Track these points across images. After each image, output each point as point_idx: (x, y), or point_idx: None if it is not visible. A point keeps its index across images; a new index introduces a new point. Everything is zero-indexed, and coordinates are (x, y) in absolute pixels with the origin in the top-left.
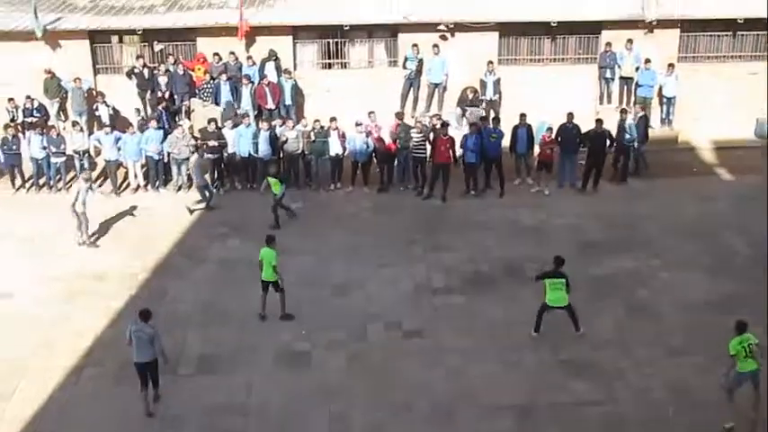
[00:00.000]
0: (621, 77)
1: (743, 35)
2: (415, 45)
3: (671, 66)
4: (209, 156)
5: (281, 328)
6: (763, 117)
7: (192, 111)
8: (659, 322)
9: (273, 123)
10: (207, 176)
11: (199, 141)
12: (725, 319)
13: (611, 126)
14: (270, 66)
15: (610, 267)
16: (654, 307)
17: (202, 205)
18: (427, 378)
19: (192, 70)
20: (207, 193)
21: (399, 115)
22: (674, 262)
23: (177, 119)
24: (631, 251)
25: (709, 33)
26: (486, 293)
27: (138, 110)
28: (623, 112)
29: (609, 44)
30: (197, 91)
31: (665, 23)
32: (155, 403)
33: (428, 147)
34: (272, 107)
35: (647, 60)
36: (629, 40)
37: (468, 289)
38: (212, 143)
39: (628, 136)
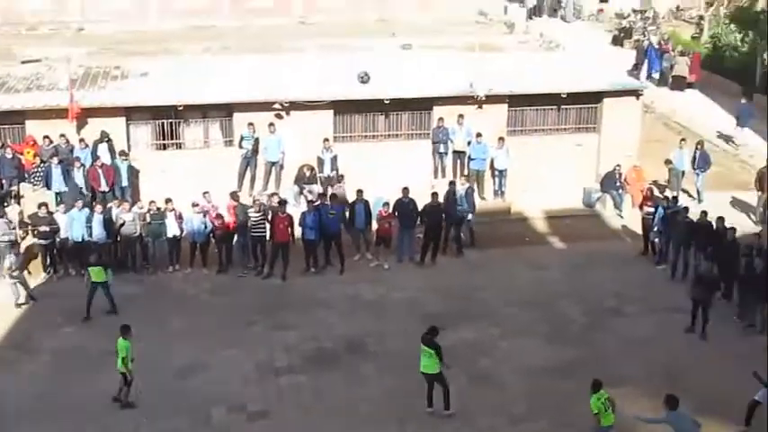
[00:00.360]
0: (454, 151)
1: (566, 109)
2: (250, 124)
3: (501, 139)
4: (42, 241)
5: (123, 417)
6: (589, 186)
7: (22, 196)
8: (501, 390)
9: (109, 206)
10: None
11: (29, 227)
12: (565, 384)
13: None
14: (102, 147)
15: (450, 339)
16: (495, 375)
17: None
18: None
19: (21, 153)
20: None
21: (234, 195)
22: (512, 330)
23: (5, 203)
24: (471, 321)
25: (535, 108)
26: (329, 371)
27: None
28: (451, 183)
29: (441, 119)
30: (26, 175)
31: (493, 99)
32: None
33: (267, 225)
34: (106, 189)
35: (479, 134)
36: (461, 116)
37: (312, 367)
38: (43, 228)
39: (459, 207)
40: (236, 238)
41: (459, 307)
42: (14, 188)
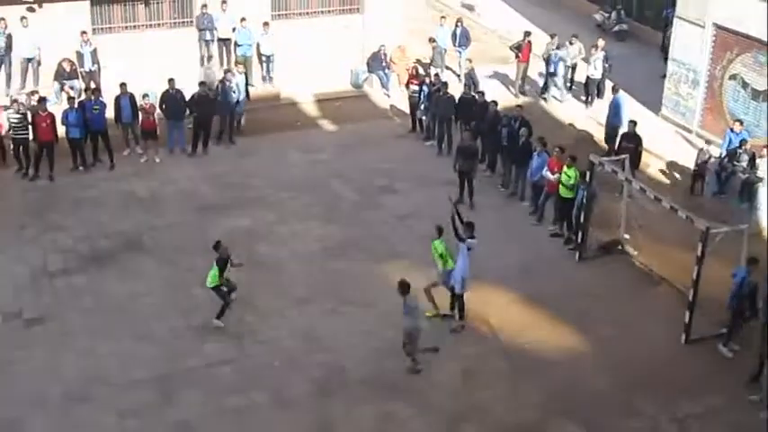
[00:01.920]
0: (219, 39)
1: None
2: (1, 19)
3: (266, 24)
4: None
5: None
6: (356, 68)
7: None
8: (281, 274)
9: None
10: None
11: None
12: (342, 263)
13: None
14: None
15: (227, 227)
16: (274, 260)
17: None
18: (57, 365)
19: None
20: None
21: None
22: (287, 215)
23: None
24: (246, 209)
25: None
26: (107, 269)
27: None
28: (227, 72)
29: (205, 6)
30: None
31: None
32: None
33: (28, 126)
34: None
35: (243, 19)
36: (224, 1)
37: (88, 267)
38: None
39: (234, 95)
40: None
41: (233, 195)
42: None
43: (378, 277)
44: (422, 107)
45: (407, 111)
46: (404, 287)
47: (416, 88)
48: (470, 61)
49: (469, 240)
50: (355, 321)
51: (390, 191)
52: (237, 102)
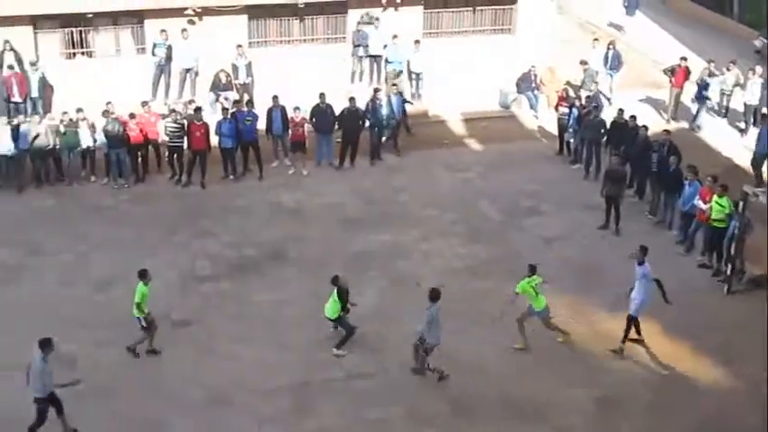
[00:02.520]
0: (370, 55)
1: (482, 10)
2: (163, 30)
3: (417, 42)
4: None
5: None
6: (505, 88)
7: None
8: (422, 291)
9: (15, 122)
10: None
11: None
12: (482, 282)
13: (362, 104)
14: (9, 57)
15: (371, 242)
16: (414, 277)
17: None
18: (200, 367)
19: None
20: None
21: (145, 104)
22: (431, 232)
23: None
24: (390, 225)
25: (450, 10)
26: (252, 277)
27: None
28: (377, 90)
29: (360, 23)
30: None
31: (409, 1)
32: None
33: (183, 135)
34: (19, 100)
35: (395, 37)
36: (376, 18)
37: (235, 274)
38: None
39: (386, 112)
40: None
41: (378, 210)
42: None
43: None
44: (570, 130)
45: (555, 132)
46: (434, 294)
47: (566, 110)
48: (596, 83)
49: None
50: (495, 342)
51: (536, 212)
52: (390, 119)
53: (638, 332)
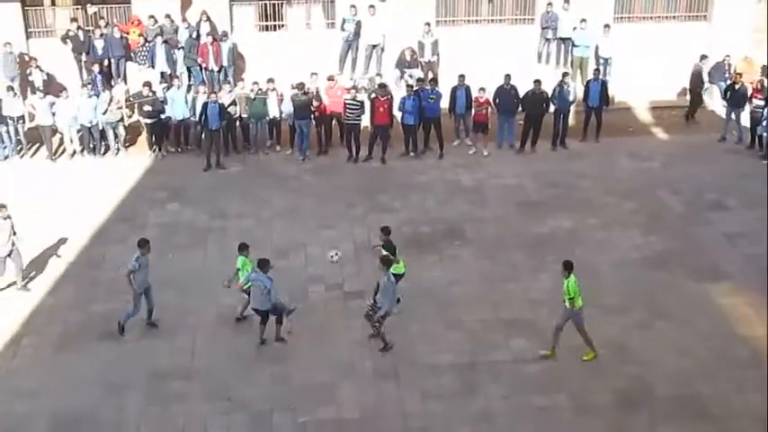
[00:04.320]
0: (559, 38)
1: None
2: (352, 6)
3: (607, 26)
4: (146, 120)
5: (222, 292)
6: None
7: (128, 75)
8: (597, 280)
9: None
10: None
11: (134, 106)
12: (659, 275)
13: (549, 87)
14: (204, 27)
15: (547, 226)
16: (591, 265)
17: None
18: (368, 338)
19: (127, 33)
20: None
21: (331, 78)
22: (609, 220)
23: (113, 83)
24: (568, 210)
25: None
26: (426, 254)
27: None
28: (564, 75)
29: (550, 4)
30: (132, 54)
31: None
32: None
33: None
34: (214, 68)
35: (583, 20)
36: (566, 1)
37: (409, 250)
38: (147, 107)
39: (571, 98)
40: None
41: (557, 194)
42: (121, 68)
43: (697, 295)
44: (764, 123)
45: (748, 125)
46: (385, 261)
47: (761, 103)
48: None
49: None
50: (669, 337)
51: (720, 207)
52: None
53: None
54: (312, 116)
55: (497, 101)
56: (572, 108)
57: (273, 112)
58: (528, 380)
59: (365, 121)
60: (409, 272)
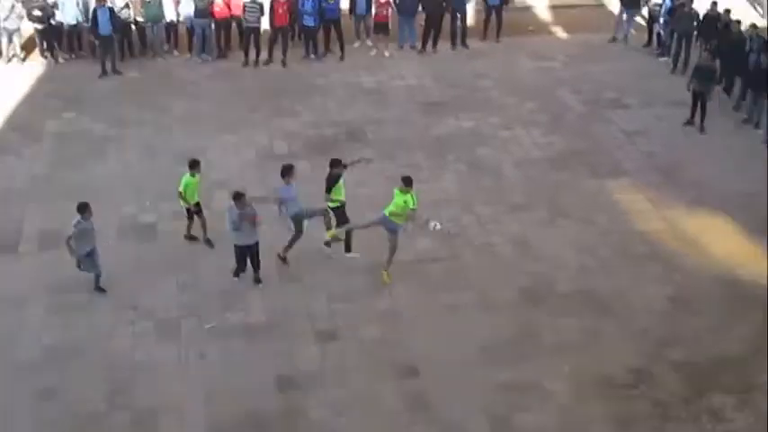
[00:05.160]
0: None
1: None
2: None
3: None
4: (36, 25)
5: (124, 201)
6: None
7: None
8: (499, 179)
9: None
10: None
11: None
12: (562, 174)
13: None
14: None
15: (449, 126)
16: (494, 164)
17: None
18: (276, 240)
19: None
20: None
21: None
22: (511, 120)
23: None
24: (471, 110)
25: None
26: (329, 157)
27: None
28: None
29: None
30: None
31: None
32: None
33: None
34: None
35: None
36: None
37: (311, 153)
38: (36, 12)
39: None
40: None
41: (458, 95)
42: None
43: (597, 192)
44: (661, 21)
45: (645, 24)
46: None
47: (658, 1)
48: None
49: None
50: (570, 234)
51: (619, 105)
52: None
53: None
54: (212, 17)
55: (397, 1)
56: (470, 7)
57: (170, 15)
58: (433, 279)
59: (265, 23)
60: (314, 174)
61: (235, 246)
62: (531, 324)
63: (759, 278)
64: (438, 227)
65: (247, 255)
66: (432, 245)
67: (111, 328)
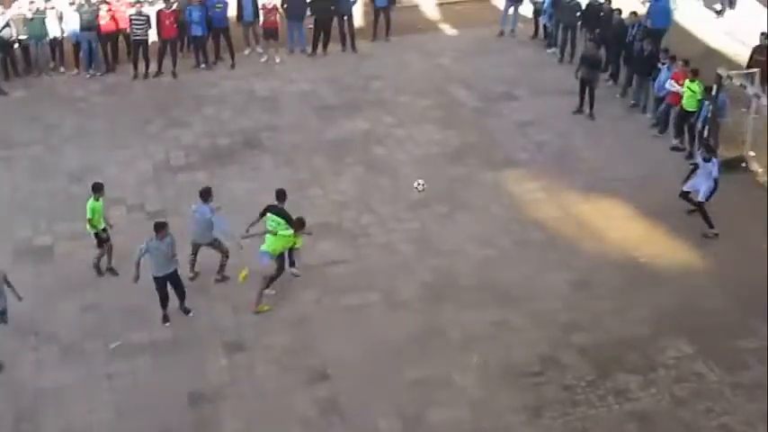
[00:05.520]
0: None
1: None
2: None
3: None
4: None
5: (18, 224)
6: None
7: None
8: (398, 177)
9: None
10: None
11: None
12: (459, 168)
13: None
14: None
15: (345, 129)
16: (391, 163)
17: None
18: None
19: None
20: None
21: None
22: (405, 118)
23: None
24: (364, 111)
25: None
26: (227, 166)
27: None
28: None
29: None
30: None
31: None
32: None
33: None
34: None
35: None
36: None
37: (209, 164)
38: None
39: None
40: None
41: (352, 97)
42: None
43: (493, 184)
44: (545, 13)
45: (530, 16)
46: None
47: None
48: None
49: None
50: (470, 227)
51: (510, 98)
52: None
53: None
54: (98, 31)
55: (285, 6)
56: (357, 9)
57: (54, 31)
58: (337, 281)
59: (153, 35)
60: (214, 183)
61: (154, 278)
62: (438, 319)
63: (655, 259)
64: (421, 187)
65: (166, 285)
66: (333, 247)
67: (13, 356)
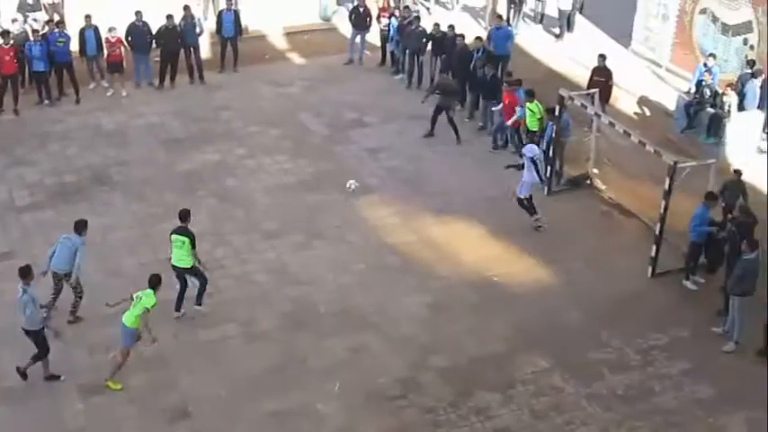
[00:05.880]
0: None
1: None
2: None
3: None
4: None
5: None
6: (325, 0)
7: None
8: (251, 208)
9: None
10: None
11: None
12: (313, 196)
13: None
14: None
15: (195, 162)
16: (245, 193)
17: None
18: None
19: None
20: None
21: None
22: (257, 149)
23: None
24: (215, 143)
25: None
26: (75, 204)
27: None
28: (185, 7)
29: None
30: None
31: None
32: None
33: None
34: None
35: None
36: None
37: (57, 202)
38: None
39: (198, 31)
40: None
41: (201, 129)
42: None
43: (348, 211)
44: (392, 40)
45: (378, 44)
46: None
47: (387, 21)
48: None
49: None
50: (326, 255)
51: (360, 124)
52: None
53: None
54: None
55: (130, 39)
56: (204, 40)
57: None
58: (194, 316)
59: None
60: (62, 222)
61: (28, 331)
62: (297, 348)
63: (509, 277)
64: (353, 187)
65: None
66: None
67: None
